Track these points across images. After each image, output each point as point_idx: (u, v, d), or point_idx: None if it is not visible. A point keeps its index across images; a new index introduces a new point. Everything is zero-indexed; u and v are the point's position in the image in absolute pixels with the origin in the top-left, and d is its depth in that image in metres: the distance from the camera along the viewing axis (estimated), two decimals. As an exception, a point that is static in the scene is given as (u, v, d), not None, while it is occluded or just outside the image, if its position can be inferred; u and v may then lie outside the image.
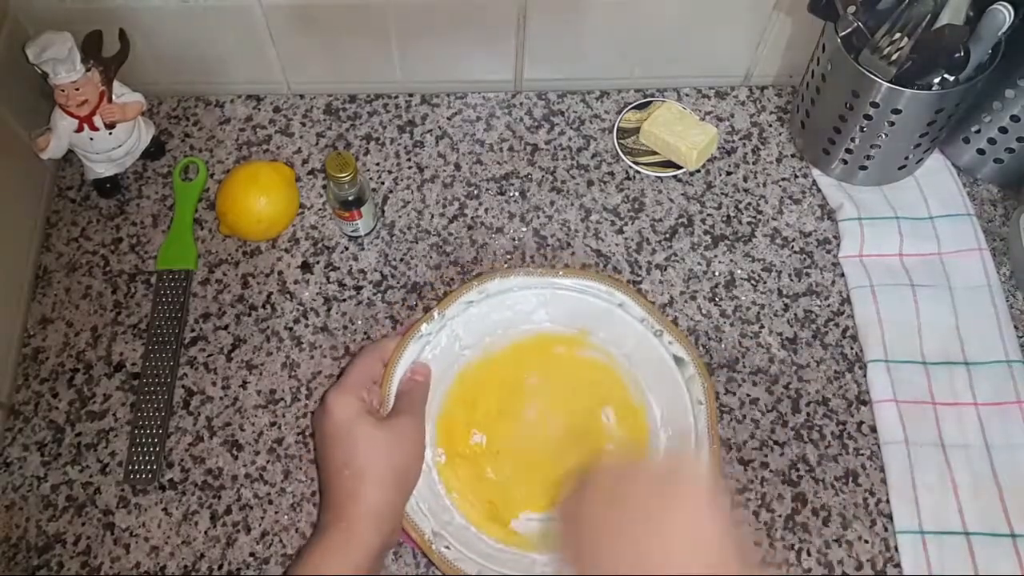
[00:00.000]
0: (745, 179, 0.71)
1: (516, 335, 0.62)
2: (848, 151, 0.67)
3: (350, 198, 0.63)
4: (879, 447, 0.60)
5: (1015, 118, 0.65)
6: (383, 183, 0.71)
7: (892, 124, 0.63)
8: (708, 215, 0.70)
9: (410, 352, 0.59)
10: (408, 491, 0.54)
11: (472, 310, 0.61)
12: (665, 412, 0.59)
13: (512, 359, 0.61)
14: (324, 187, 0.70)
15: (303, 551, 0.53)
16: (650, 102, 0.74)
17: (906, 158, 0.67)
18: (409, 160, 0.72)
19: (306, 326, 0.64)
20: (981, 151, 0.69)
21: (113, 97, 0.66)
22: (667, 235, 0.69)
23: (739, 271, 0.67)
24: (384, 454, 0.53)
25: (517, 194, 0.70)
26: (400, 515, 0.54)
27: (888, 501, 0.58)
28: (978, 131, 0.68)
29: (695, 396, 0.58)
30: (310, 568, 0.50)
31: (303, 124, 0.74)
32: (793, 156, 0.73)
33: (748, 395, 0.62)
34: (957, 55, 0.59)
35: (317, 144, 0.73)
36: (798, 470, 0.59)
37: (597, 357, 0.62)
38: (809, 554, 0.56)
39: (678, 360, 0.59)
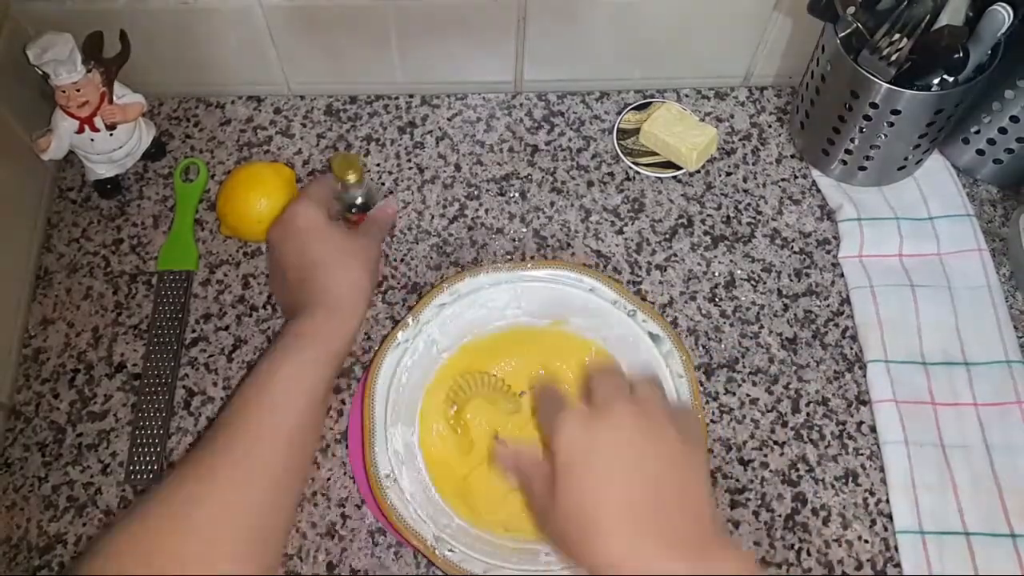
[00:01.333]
0: (745, 180, 0.72)
1: (491, 332, 0.62)
2: (847, 152, 0.67)
3: (357, 201, 0.62)
4: (879, 447, 0.60)
5: (1014, 119, 0.65)
6: (383, 184, 0.71)
7: (891, 125, 0.63)
8: (708, 216, 0.70)
9: (388, 362, 0.59)
10: (370, 294, 0.59)
11: (446, 312, 0.61)
12: None
13: (489, 355, 0.61)
14: None
15: (285, 332, 0.56)
16: (650, 103, 0.74)
17: (905, 159, 0.67)
18: (409, 161, 0.72)
19: (307, 327, 0.64)
20: (980, 152, 0.69)
21: (114, 98, 0.66)
22: (667, 236, 0.69)
23: (739, 271, 0.67)
24: (355, 260, 0.58)
25: (517, 195, 0.71)
26: (368, 302, 0.58)
27: (888, 501, 0.58)
28: (977, 132, 0.68)
29: (675, 370, 0.59)
30: (306, 339, 0.54)
31: (304, 125, 0.74)
32: (793, 157, 0.73)
33: (748, 395, 0.62)
34: (956, 56, 0.59)
35: (318, 145, 0.73)
36: (798, 470, 0.59)
37: (573, 344, 0.62)
38: (809, 554, 0.56)
39: (654, 337, 0.60)
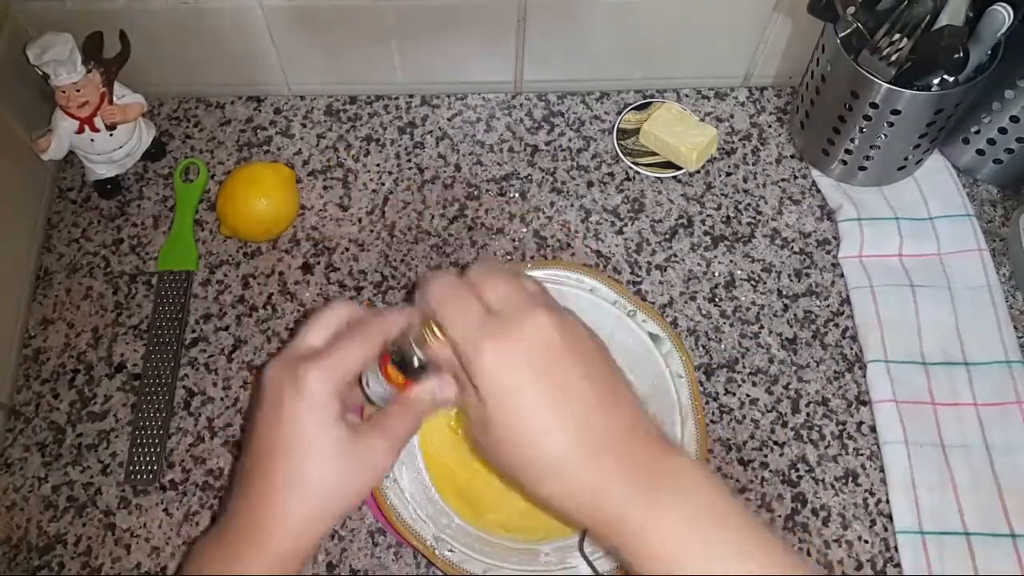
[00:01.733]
0: (745, 180, 0.72)
1: None
2: (847, 152, 0.67)
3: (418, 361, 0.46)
4: (879, 447, 0.60)
5: (1014, 119, 0.65)
6: (383, 184, 0.71)
7: (891, 125, 0.63)
8: (708, 216, 0.70)
9: None
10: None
11: None
12: (647, 390, 0.59)
13: None
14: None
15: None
16: (650, 103, 0.74)
17: (905, 159, 0.67)
18: (409, 161, 0.72)
19: (307, 327, 0.64)
20: (980, 152, 0.69)
21: (114, 98, 0.66)
22: (667, 236, 0.69)
23: (739, 272, 0.67)
24: (347, 484, 0.43)
25: (517, 195, 0.71)
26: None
27: (888, 501, 0.58)
28: (977, 132, 0.68)
29: (674, 370, 0.59)
30: None
31: (303, 125, 0.74)
32: (793, 157, 0.73)
33: (748, 395, 0.62)
34: (956, 56, 0.59)
35: (317, 145, 0.73)
36: (798, 470, 0.59)
37: None
38: (809, 554, 0.56)
39: (654, 337, 0.60)
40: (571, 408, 0.41)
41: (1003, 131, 0.66)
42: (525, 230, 0.69)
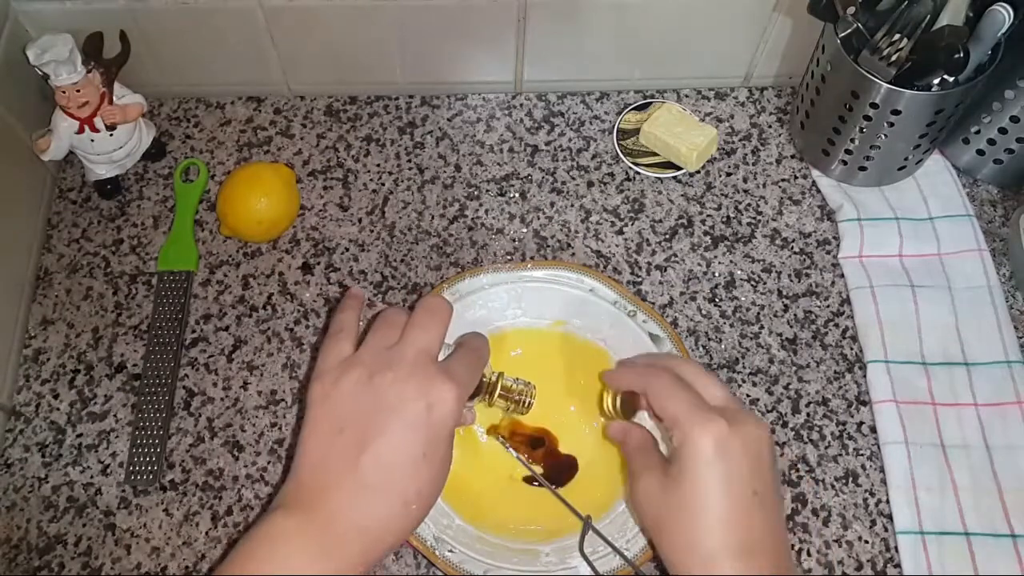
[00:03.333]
0: (745, 180, 0.72)
1: (491, 332, 0.61)
2: (848, 152, 0.67)
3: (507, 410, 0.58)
4: (879, 447, 0.60)
5: (1015, 119, 0.65)
6: (383, 184, 0.71)
7: (891, 125, 0.63)
8: (708, 216, 0.70)
9: None
10: None
11: None
12: None
13: (490, 356, 0.61)
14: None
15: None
16: (650, 103, 0.74)
17: (906, 159, 0.67)
18: (409, 161, 0.72)
19: (307, 327, 0.64)
20: (981, 152, 0.69)
21: (114, 99, 0.66)
22: (667, 236, 0.69)
23: (739, 272, 0.67)
24: (438, 492, 0.48)
25: (517, 195, 0.71)
26: None
27: (888, 501, 0.58)
28: (978, 132, 0.68)
29: None
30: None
31: (304, 126, 0.74)
32: (793, 157, 0.73)
33: (748, 395, 0.62)
34: (956, 56, 0.59)
35: (318, 146, 0.73)
36: (798, 470, 0.59)
37: (574, 344, 0.62)
38: (809, 554, 0.56)
39: (654, 337, 0.60)
40: (750, 511, 0.46)
41: (1003, 131, 0.66)
42: (525, 230, 0.69)
